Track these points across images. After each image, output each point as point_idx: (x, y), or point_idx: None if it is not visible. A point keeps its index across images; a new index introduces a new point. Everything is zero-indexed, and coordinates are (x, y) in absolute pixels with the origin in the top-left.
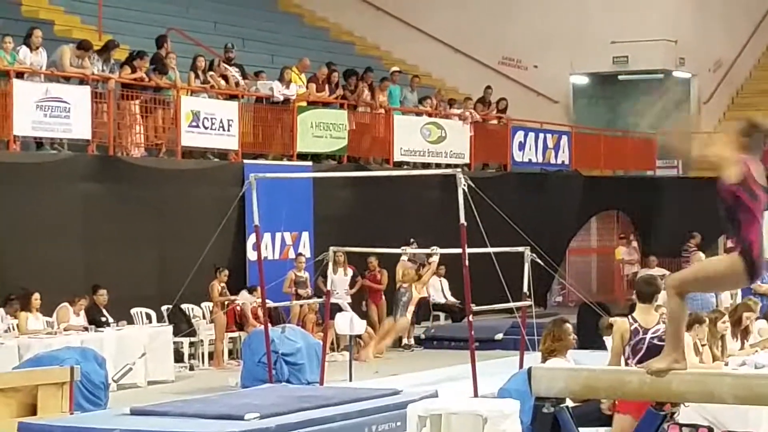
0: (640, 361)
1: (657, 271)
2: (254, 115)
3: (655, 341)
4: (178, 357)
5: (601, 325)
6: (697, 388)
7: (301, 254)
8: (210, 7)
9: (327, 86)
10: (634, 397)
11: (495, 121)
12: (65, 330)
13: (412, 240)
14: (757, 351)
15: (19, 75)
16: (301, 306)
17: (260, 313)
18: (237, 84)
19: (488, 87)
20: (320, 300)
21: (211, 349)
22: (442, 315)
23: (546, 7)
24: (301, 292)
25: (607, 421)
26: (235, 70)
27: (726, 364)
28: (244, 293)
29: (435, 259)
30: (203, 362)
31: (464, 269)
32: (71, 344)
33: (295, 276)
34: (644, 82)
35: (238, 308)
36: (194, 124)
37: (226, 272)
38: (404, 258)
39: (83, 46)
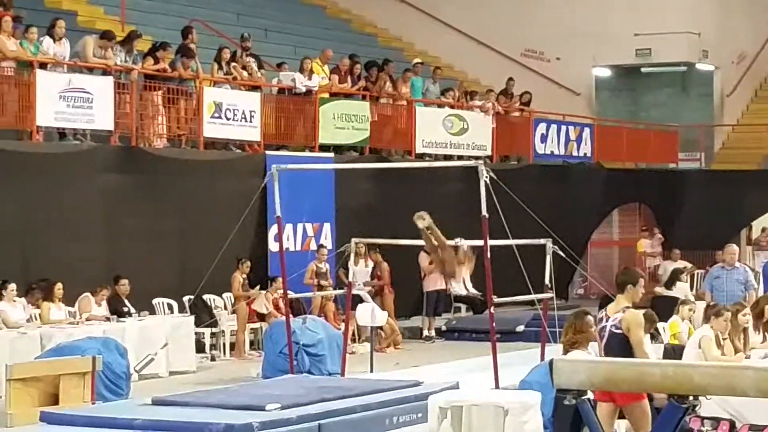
0: (604, 348)
1: (680, 264)
2: (276, 107)
3: (613, 329)
4: (200, 347)
5: None
6: (720, 382)
7: (322, 246)
8: None
9: (349, 78)
10: (655, 390)
11: (517, 113)
12: (87, 320)
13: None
14: None
15: (43, 66)
16: (322, 297)
17: (281, 304)
18: (250, 74)
19: (510, 79)
20: (341, 291)
21: (232, 340)
22: (463, 307)
23: (569, 0)
24: (322, 283)
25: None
26: (252, 60)
27: (748, 357)
28: (260, 293)
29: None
30: (225, 353)
31: (486, 261)
32: (93, 334)
33: (316, 267)
34: (667, 75)
35: (263, 311)
36: (216, 115)
37: (249, 264)
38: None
39: (106, 37)
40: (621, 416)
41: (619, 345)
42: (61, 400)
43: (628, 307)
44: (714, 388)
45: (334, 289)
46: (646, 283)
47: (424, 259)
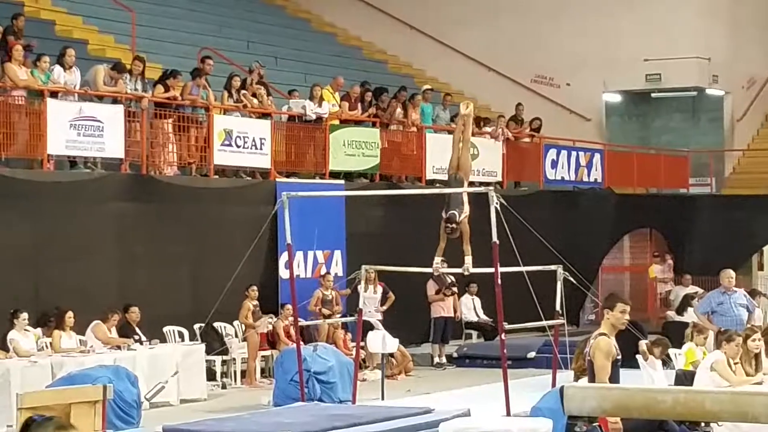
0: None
1: (691, 289)
2: (287, 134)
3: (587, 355)
4: (211, 375)
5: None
6: (731, 408)
7: (328, 273)
8: (243, 26)
9: (359, 104)
10: (667, 416)
11: (527, 139)
12: (106, 344)
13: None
14: None
15: (53, 94)
16: (330, 324)
17: (292, 331)
18: (260, 102)
19: (519, 104)
20: (352, 318)
21: (243, 368)
22: (474, 333)
23: (579, 25)
24: (325, 311)
25: None
26: (261, 88)
27: (760, 383)
28: (263, 319)
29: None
30: (235, 381)
31: (497, 288)
32: (104, 362)
33: (322, 295)
34: (677, 100)
35: (265, 331)
36: (227, 142)
37: (254, 288)
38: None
39: (117, 69)
40: None
41: (591, 371)
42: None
43: (602, 334)
44: (725, 414)
45: (345, 316)
46: (658, 309)
47: (431, 287)
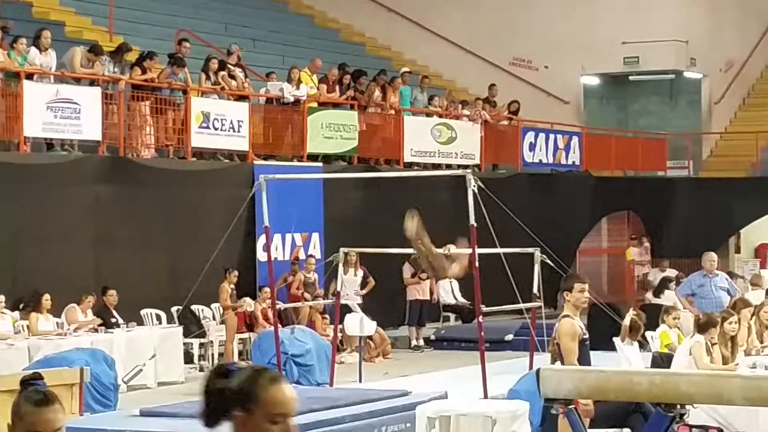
0: None
1: (669, 272)
2: (264, 116)
3: (554, 339)
4: (188, 358)
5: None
6: (706, 390)
7: (311, 256)
8: (221, 8)
9: (338, 87)
10: (643, 399)
11: (505, 122)
12: (76, 329)
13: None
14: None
15: (29, 76)
16: (310, 307)
17: (270, 314)
18: (238, 84)
19: (492, 85)
20: (330, 301)
21: (221, 350)
22: (452, 316)
23: (557, 8)
24: (307, 294)
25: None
26: (239, 70)
27: (736, 364)
28: (247, 299)
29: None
30: (213, 363)
31: (474, 270)
32: (81, 345)
33: (303, 277)
34: (655, 83)
35: (249, 310)
36: (204, 125)
37: (236, 273)
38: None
39: (94, 51)
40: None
41: (559, 353)
42: None
43: (565, 316)
44: (701, 396)
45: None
46: (635, 291)
47: (407, 270)
